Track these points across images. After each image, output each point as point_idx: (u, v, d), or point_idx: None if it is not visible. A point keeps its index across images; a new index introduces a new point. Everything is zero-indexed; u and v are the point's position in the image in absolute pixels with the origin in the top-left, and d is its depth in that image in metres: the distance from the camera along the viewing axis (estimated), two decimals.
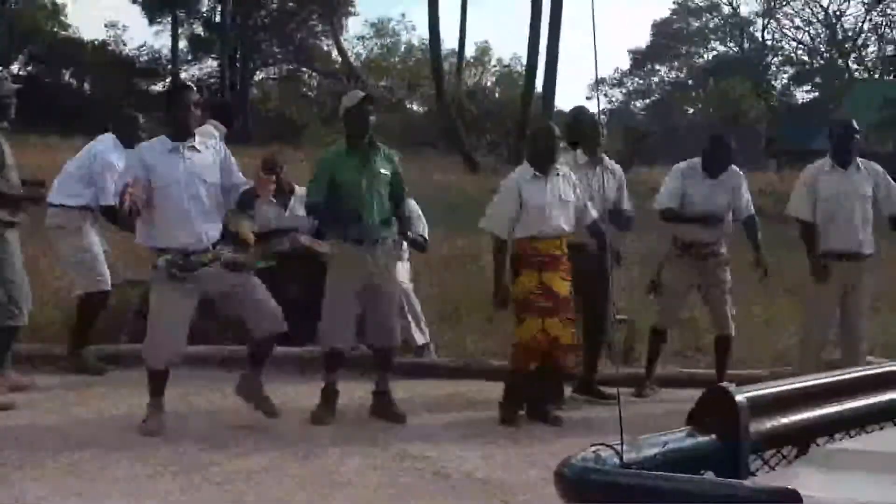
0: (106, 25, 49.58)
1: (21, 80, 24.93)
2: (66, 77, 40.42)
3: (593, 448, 1.23)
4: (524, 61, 30.31)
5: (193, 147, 5.98)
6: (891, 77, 31.88)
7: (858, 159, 7.33)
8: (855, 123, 7.52)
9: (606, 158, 7.59)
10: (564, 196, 6.74)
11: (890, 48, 35.87)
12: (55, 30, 42.27)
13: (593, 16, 1.48)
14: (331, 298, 6.48)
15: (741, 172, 7.75)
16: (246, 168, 6.53)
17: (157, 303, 5.97)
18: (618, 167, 7.82)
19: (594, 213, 6.88)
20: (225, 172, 6.06)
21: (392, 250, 6.73)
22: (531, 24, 26.83)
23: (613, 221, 7.38)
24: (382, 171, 6.52)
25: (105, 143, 7.56)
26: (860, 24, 40.21)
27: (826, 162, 7.34)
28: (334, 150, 6.79)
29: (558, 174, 6.79)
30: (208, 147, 6.11)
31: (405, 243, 8.04)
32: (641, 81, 48.51)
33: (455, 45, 41.00)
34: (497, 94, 44.60)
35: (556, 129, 7.14)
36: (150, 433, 5.85)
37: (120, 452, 5.54)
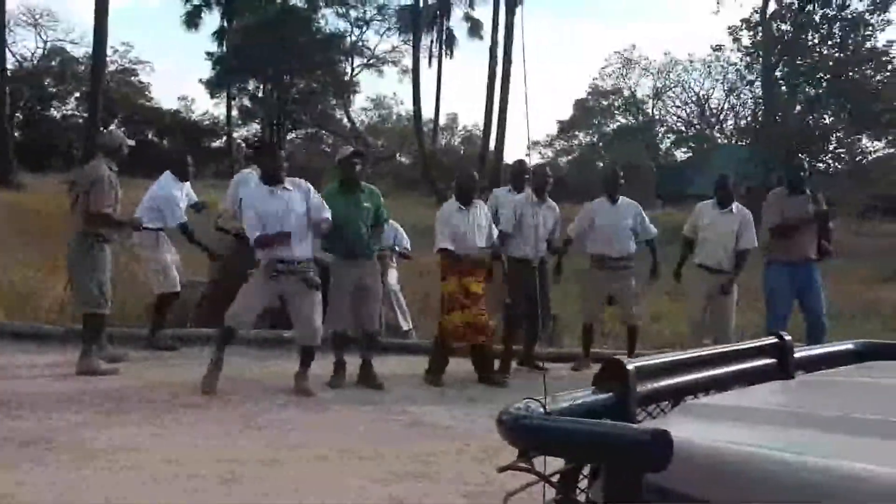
0: (178, 98, 49.71)
1: None
2: (150, 135, 39.91)
3: (524, 401, 1.23)
4: (481, 128, 30.55)
5: (286, 188, 5.97)
6: (742, 144, 32.24)
7: (734, 204, 7.29)
8: (731, 179, 7.53)
9: (549, 200, 7.33)
10: (479, 222, 6.76)
11: (742, 122, 36.43)
12: (141, 101, 41.84)
13: (526, 102, 1.50)
14: (332, 295, 6.42)
15: (637, 203, 7.69)
16: None
17: (251, 284, 5.94)
18: (555, 205, 7.44)
19: (496, 233, 6.89)
20: (313, 209, 6.01)
21: (373, 260, 6.57)
22: (486, 102, 27.26)
23: (549, 247, 7.29)
24: (365, 204, 6.44)
25: (165, 180, 7.44)
26: (721, 104, 40.85)
27: (711, 202, 7.39)
28: (330, 189, 6.54)
29: (475, 206, 6.81)
30: (300, 188, 6.05)
31: (394, 256, 8.02)
32: (566, 143, 48.71)
33: (433, 115, 41.35)
34: (462, 151, 44.79)
35: (475, 174, 7.21)
36: (206, 389, 5.79)
37: (186, 405, 5.49)
